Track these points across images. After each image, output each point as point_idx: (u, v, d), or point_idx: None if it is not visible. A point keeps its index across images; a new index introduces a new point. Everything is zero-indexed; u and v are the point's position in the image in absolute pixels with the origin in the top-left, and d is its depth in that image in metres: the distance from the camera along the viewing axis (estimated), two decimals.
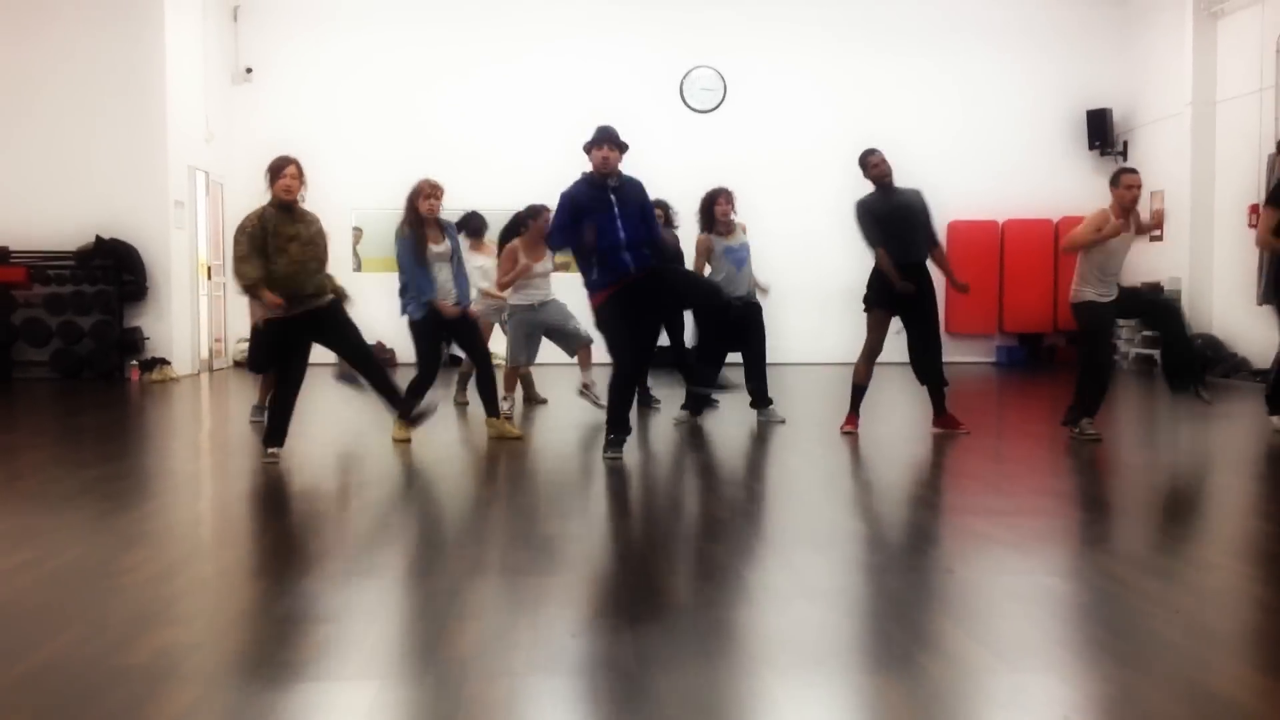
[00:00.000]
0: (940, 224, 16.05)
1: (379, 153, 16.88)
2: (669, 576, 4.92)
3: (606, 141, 7.86)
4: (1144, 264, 15.64)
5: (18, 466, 8.29)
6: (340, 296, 7.86)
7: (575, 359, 10.42)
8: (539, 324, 10.13)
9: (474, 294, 9.67)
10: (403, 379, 8.69)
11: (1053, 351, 17.59)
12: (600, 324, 8.02)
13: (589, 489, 7.13)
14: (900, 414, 10.72)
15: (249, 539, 6.05)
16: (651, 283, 7.88)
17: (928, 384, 9.17)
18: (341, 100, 17.13)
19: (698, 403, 10.43)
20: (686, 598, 4.62)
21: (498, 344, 10.57)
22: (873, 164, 9.12)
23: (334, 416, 9.92)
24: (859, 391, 9.31)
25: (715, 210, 9.88)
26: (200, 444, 9.94)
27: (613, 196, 7.87)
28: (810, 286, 15.75)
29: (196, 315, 15.85)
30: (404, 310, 8.75)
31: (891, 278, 8.93)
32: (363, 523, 6.36)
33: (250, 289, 7.58)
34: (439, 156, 16.59)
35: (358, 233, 16.89)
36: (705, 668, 3.73)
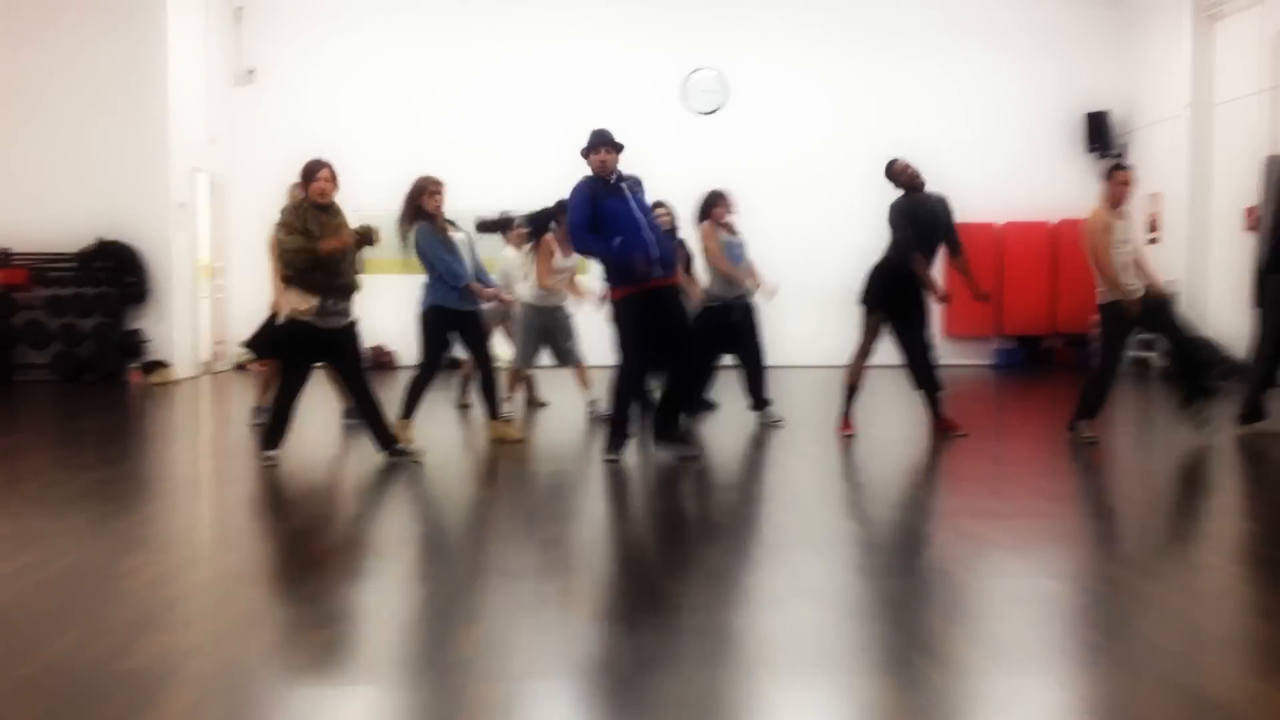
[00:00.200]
0: None
1: (382, 154, 16.86)
2: (667, 579, 4.94)
3: (603, 145, 7.93)
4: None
5: (18, 469, 8.30)
6: (370, 237, 7.97)
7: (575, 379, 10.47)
8: (547, 328, 10.12)
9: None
10: (404, 380, 8.74)
11: (1051, 354, 17.60)
12: (615, 319, 8.06)
13: (589, 492, 7.15)
14: (897, 416, 10.74)
15: (249, 543, 6.07)
16: (670, 296, 7.91)
17: (922, 389, 9.20)
18: (344, 102, 17.15)
19: (695, 406, 10.49)
20: (685, 600, 4.63)
21: (498, 347, 10.58)
22: (900, 169, 9.14)
23: (334, 420, 9.93)
24: (852, 393, 9.34)
25: (714, 213, 9.92)
26: (201, 447, 9.96)
27: (623, 186, 7.97)
28: (809, 289, 15.75)
29: (197, 317, 15.86)
30: (429, 300, 8.75)
31: (929, 285, 8.99)
32: (362, 526, 6.38)
33: (299, 255, 7.58)
34: (441, 157, 16.56)
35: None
36: (703, 670, 3.75)
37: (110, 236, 14.70)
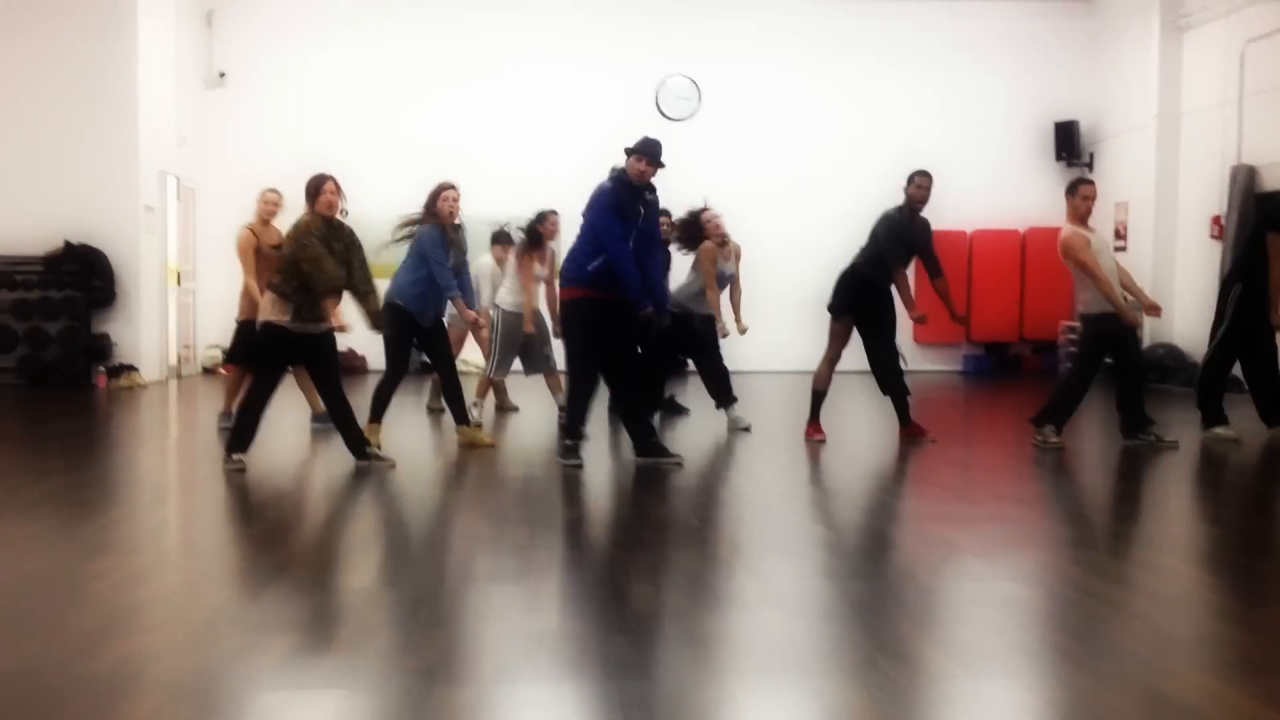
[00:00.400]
0: None
1: (355, 160, 16.74)
2: (635, 584, 4.94)
3: (648, 156, 7.87)
4: None
5: None
6: (377, 318, 7.92)
7: (547, 385, 10.45)
8: (527, 337, 10.08)
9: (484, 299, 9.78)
10: (374, 384, 8.73)
11: (1018, 361, 17.71)
12: (567, 320, 8.04)
13: (557, 497, 7.15)
14: (866, 422, 10.79)
15: (214, 547, 6.04)
16: (626, 308, 7.89)
17: (890, 394, 9.26)
18: (317, 108, 17.10)
19: (669, 408, 10.58)
20: (653, 605, 4.64)
21: (468, 352, 10.58)
22: (919, 184, 9.16)
23: (302, 424, 9.90)
24: (819, 398, 9.39)
25: (707, 230, 9.94)
26: (167, 451, 9.89)
27: (643, 209, 7.94)
28: (779, 296, 15.78)
29: (165, 321, 15.76)
30: (392, 292, 8.73)
31: (905, 302, 9.05)
32: (329, 530, 6.36)
33: (334, 289, 7.58)
34: (416, 165, 16.57)
35: None
36: (672, 674, 3.76)
37: (78, 239, 14.59)
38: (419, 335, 8.88)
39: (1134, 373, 9.01)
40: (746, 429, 9.92)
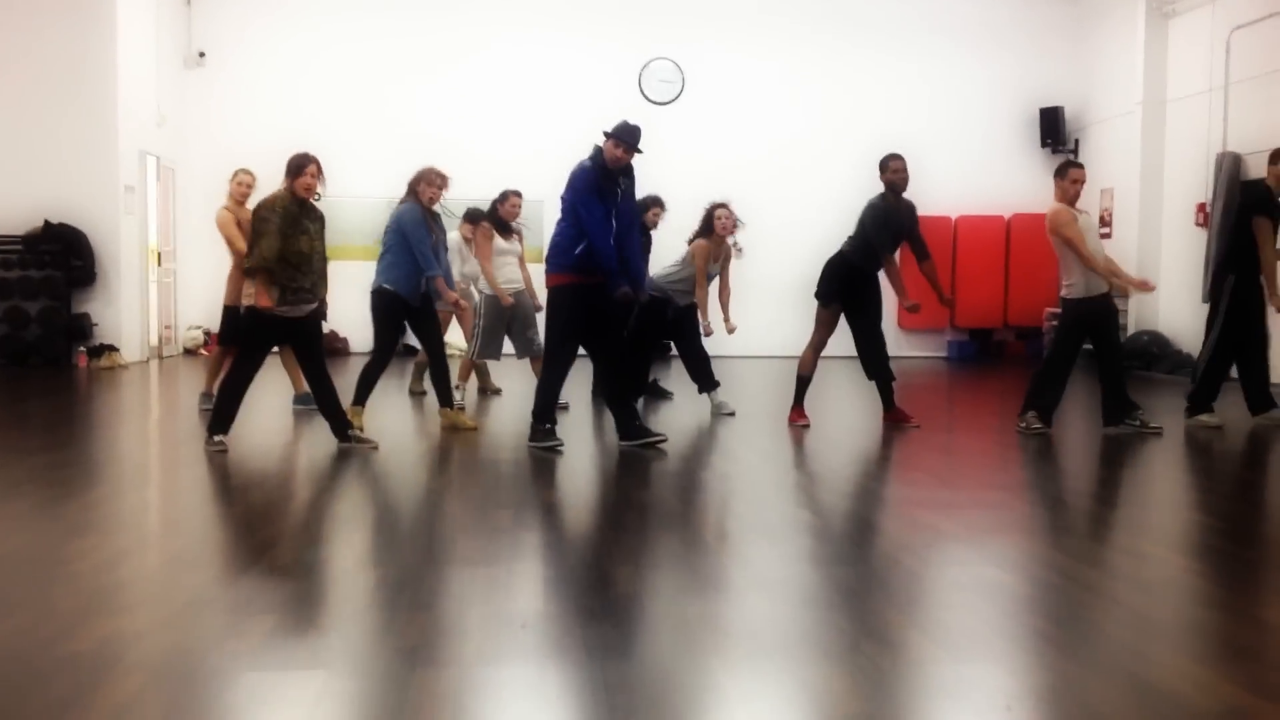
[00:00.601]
0: None
1: (336, 141, 16.70)
2: (619, 567, 4.93)
3: (626, 142, 7.83)
4: None
5: None
6: (320, 310, 7.87)
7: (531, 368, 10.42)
8: (510, 317, 10.06)
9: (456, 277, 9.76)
10: (356, 366, 8.67)
11: (1002, 347, 17.76)
12: (553, 306, 8.01)
13: (540, 480, 7.14)
14: (851, 408, 10.80)
15: (196, 528, 6.01)
16: (609, 294, 7.87)
17: (875, 379, 9.27)
18: (297, 88, 17.01)
19: (652, 392, 10.58)
20: (636, 588, 4.63)
21: (451, 335, 10.53)
22: (894, 169, 9.12)
23: (285, 406, 9.86)
24: (804, 383, 9.39)
25: (715, 225, 9.91)
26: (148, 432, 9.85)
27: (620, 189, 7.91)
28: (763, 281, 15.78)
29: (146, 302, 15.69)
30: (381, 279, 8.69)
31: (898, 291, 9.07)
32: (312, 512, 6.34)
33: (260, 269, 7.52)
34: (397, 146, 16.54)
35: None
36: (656, 658, 3.75)
37: (57, 219, 14.51)
38: (409, 317, 8.83)
39: (1114, 359, 9.02)
40: (730, 414, 9.92)
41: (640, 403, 9.93)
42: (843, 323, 9.30)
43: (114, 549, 5.17)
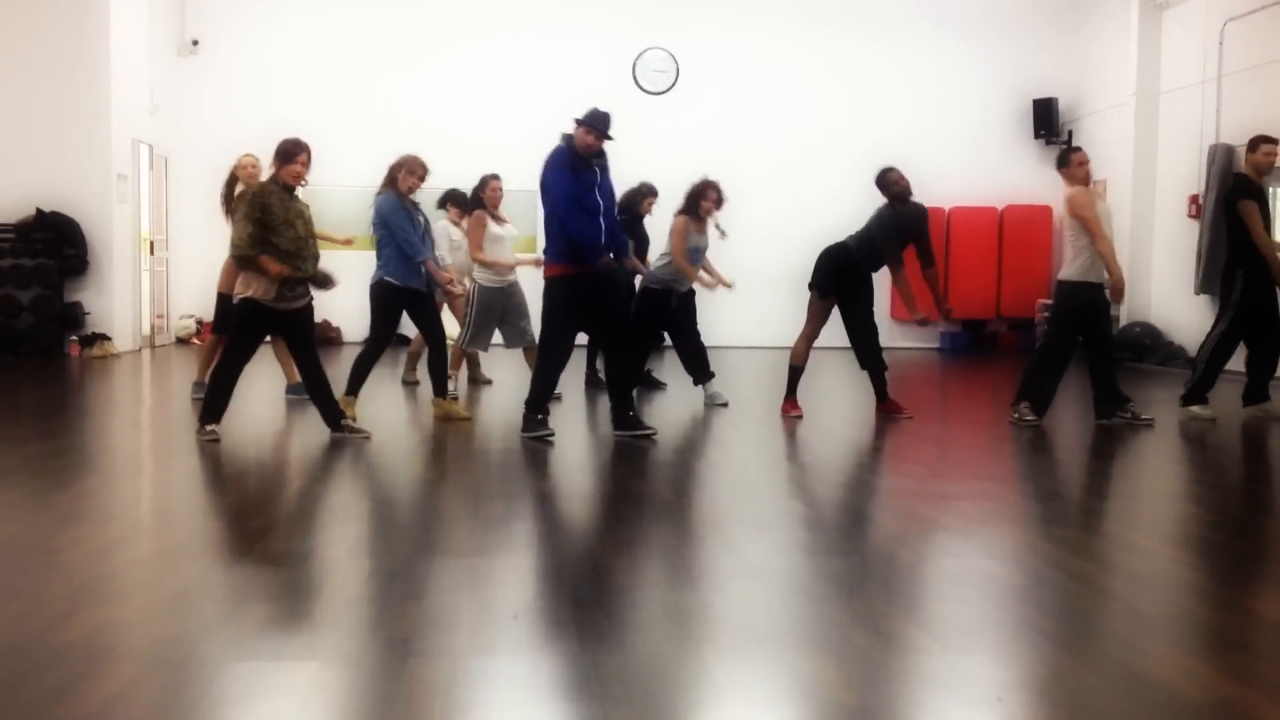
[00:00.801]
0: None
1: (329, 129, 16.68)
2: (611, 557, 4.94)
3: (596, 129, 7.85)
4: None
5: None
6: (325, 281, 7.83)
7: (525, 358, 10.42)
8: (502, 308, 10.05)
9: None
10: (349, 356, 8.66)
11: (995, 338, 17.78)
12: (549, 297, 8.00)
13: (533, 470, 7.14)
14: (844, 399, 10.81)
15: (190, 517, 6.00)
16: (607, 282, 7.87)
17: (869, 369, 9.28)
18: (291, 76, 16.98)
19: (646, 383, 10.58)
20: (629, 579, 4.64)
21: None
22: (893, 180, 9.10)
23: (276, 395, 9.85)
24: (796, 374, 9.40)
25: (701, 203, 9.86)
26: (141, 421, 9.84)
27: (597, 170, 7.93)
28: (758, 271, 15.78)
29: (138, 290, 15.66)
30: (382, 272, 8.65)
31: (908, 303, 9.09)
32: (304, 502, 6.33)
33: (242, 259, 7.50)
34: (390, 134, 16.48)
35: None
36: (648, 647, 3.75)
37: (50, 207, 14.47)
38: (409, 308, 8.81)
39: (1105, 352, 9.03)
40: (724, 404, 9.92)
41: (634, 393, 9.93)
42: (835, 313, 9.31)
43: (106, 538, 5.17)
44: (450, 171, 15.66)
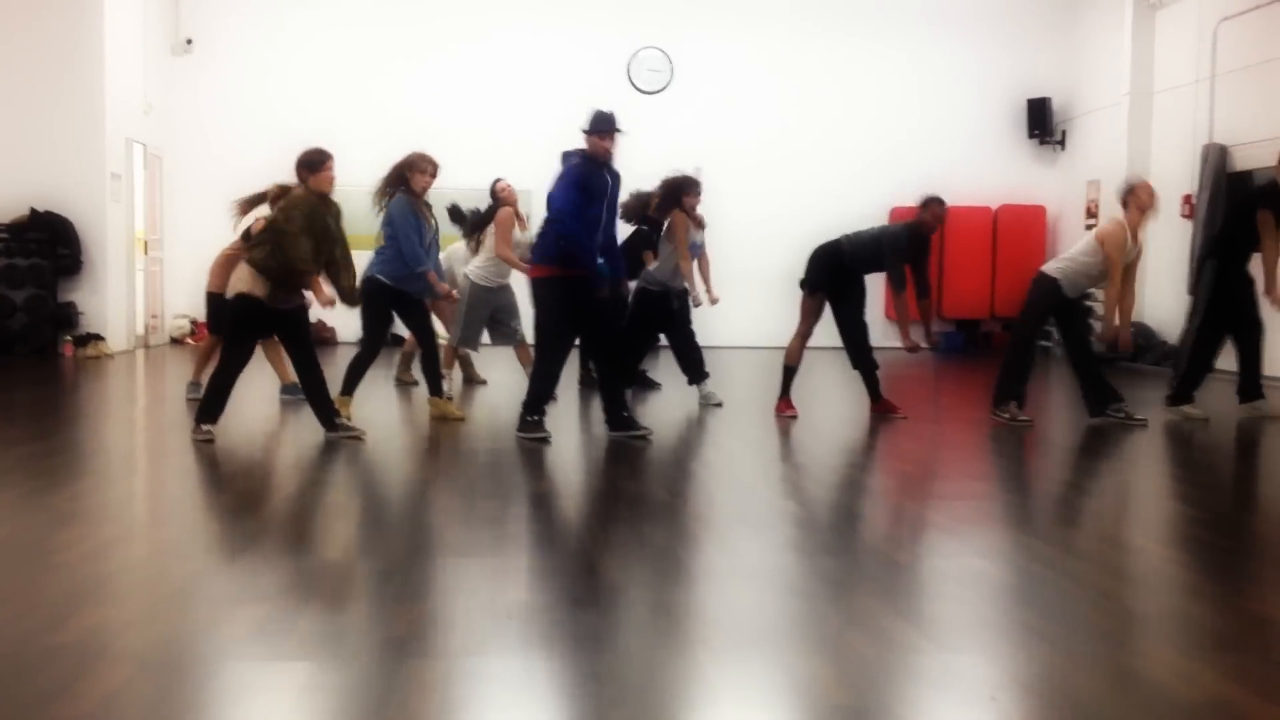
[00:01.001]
0: (881, 211, 16.27)
1: (324, 129, 16.60)
2: (606, 558, 4.95)
3: (607, 130, 7.78)
4: None
5: None
6: (353, 298, 7.89)
7: (517, 357, 10.45)
8: (494, 307, 10.08)
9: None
10: (344, 356, 8.66)
11: (989, 338, 17.79)
12: (539, 300, 7.99)
13: (528, 471, 7.14)
14: (838, 398, 10.82)
15: (183, 518, 6.00)
16: (593, 285, 7.86)
17: (860, 369, 9.29)
18: (285, 75, 16.96)
19: (640, 383, 10.60)
20: (623, 579, 4.65)
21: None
22: (935, 214, 9.14)
23: (271, 395, 9.85)
24: (790, 373, 9.41)
25: (686, 202, 9.87)
26: (135, 421, 9.83)
27: (609, 179, 7.88)
28: (751, 271, 15.80)
29: (132, 290, 15.64)
30: (375, 269, 8.64)
31: (903, 329, 9.16)
32: (299, 503, 6.33)
33: (305, 271, 7.53)
34: (386, 134, 16.47)
35: None
36: (641, 648, 3.76)
37: (44, 207, 14.44)
38: (397, 307, 8.81)
39: (1085, 351, 9.06)
40: (718, 404, 9.92)
41: (629, 393, 9.94)
42: (827, 313, 9.31)
43: (101, 539, 5.17)
44: (447, 170, 15.66)
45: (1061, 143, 17.71)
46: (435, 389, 8.93)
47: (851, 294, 9.24)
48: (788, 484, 7.12)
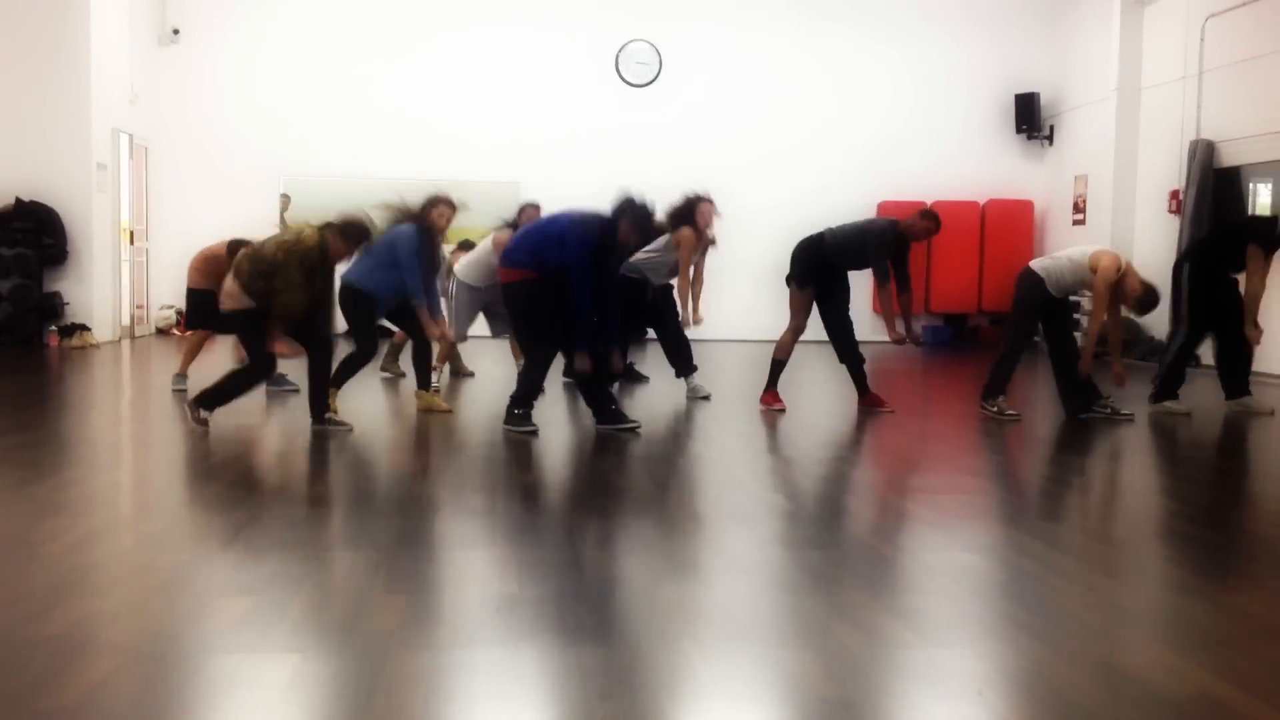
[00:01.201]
0: (869, 206, 16.29)
1: (309, 119, 16.69)
2: (593, 550, 4.94)
3: (639, 226, 7.83)
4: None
5: None
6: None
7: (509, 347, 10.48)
8: (485, 302, 10.11)
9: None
10: (339, 354, 8.64)
11: (977, 332, 17.83)
12: (518, 303, 7.95)
13: (515, 463, 7.13)
14: (825, 392, 10.83)
15: (170, 509, 5.99)
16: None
17: (847, 364, 9.30)
18: (272, 66, 16.91)
19: (627, 376, 10.59)
20: (610, 571, 4.64)
21: None
22: (927, 228, 9.13)
23: (259, 387, 9.82)
24: (778, 366, 9.42)
25: (697, 219, 9.83)
26: (121, 412, 9.80)
27: (615, 262, 7.99)
28: (741, 264, 15.80)
29: (118, 281, 15.59)
30: (353, 277, 8.58)
31: (888, 322, 9.12)
32: (286, 494, 6.32)
33: (287, 317, 7.56)
34: (372, 126, 16.48)
35: (285, 199, 16.65)
36: (628, 641, 3.76)
37: (29, 197, 14.39)
38: (394, 310, 8.80)
39: (1068, 349, 9.09)
40: (706, 398, 9.93)
41: (615, 387, 9.93)
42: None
43: (86, 530, 5.14)
44: (436, 163, 15.68)
45: (1049, 138, 17.74)
46: (423, 382, 8.91)
47: (836, 290, 9.25)
48: (775, 477, 7.13)
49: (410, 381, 9.12)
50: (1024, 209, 17.62)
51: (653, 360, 11.42)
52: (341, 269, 8.58)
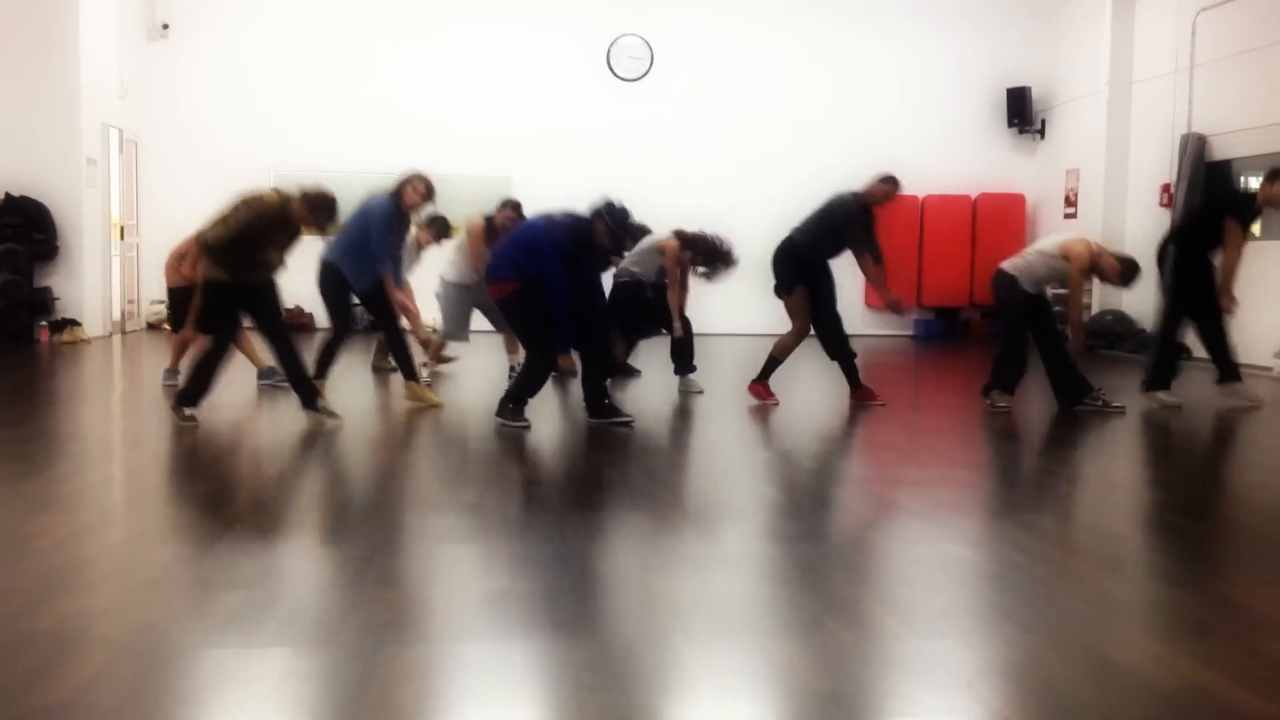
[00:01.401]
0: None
1: (299, 114, 16.66)
2: (586, 544, 4.94)
3: (621, 232, 8.02)
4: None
5: None
6: None
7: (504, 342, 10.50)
8: (472, 302, 10.14)
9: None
10: (320, 341, 8.64)
11: (968, 325, 17.85)
12: (514, 313, 7.99)
13: (508, 457, 7.13)
14: (817, 386, 10.83)
15: (161, 504, 5.98)
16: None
17: (837, 359, 9.31)
18: (262, 61, 16.88)
19: (620, 370, 10.59)
20: (603, 565, 4.64)
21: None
22: (887, 192, 9.16)
23: (249, 382, 9.81)
24: (774, 362, 9.42)
25: (693, 258, 9.93)
26: (112, 407, 9.78)
27: (597, 261, 8.14)
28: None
29: (108, 276, 15.57)
30: (331, 254, 8.64)
31: (879, 288, 9.15)
32: (277, 488, 6.31)
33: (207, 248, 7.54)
34: (363, 121, 16.45)
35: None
36: (619, 635, 3.76)
37: (19, 192, 14.35)
38: (359, 295, 8.84)
39: (1055, 346, 9.10)
40: (699, 392, 9.94)
41: (609, 381, 9.94)
42: None
43: (76, 525, 5.13)
44: (427, 157, 15.63)
45: (1041, 132, 17.76)
46: (409, 374, 8.92)
47: (822, 286, 9.25)
48: (767, 471, 7.13)
49: (401, 375, 9.11)
50: (1015, 203, 17.64)
51: (645, 355, 11.42)
52: (319, 250, 8.67)
